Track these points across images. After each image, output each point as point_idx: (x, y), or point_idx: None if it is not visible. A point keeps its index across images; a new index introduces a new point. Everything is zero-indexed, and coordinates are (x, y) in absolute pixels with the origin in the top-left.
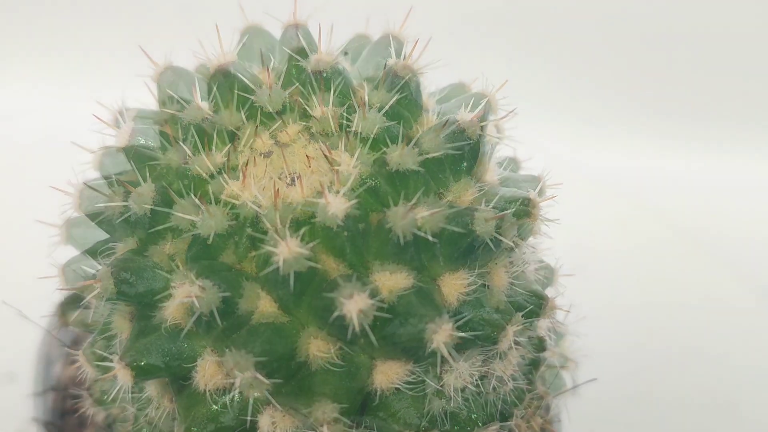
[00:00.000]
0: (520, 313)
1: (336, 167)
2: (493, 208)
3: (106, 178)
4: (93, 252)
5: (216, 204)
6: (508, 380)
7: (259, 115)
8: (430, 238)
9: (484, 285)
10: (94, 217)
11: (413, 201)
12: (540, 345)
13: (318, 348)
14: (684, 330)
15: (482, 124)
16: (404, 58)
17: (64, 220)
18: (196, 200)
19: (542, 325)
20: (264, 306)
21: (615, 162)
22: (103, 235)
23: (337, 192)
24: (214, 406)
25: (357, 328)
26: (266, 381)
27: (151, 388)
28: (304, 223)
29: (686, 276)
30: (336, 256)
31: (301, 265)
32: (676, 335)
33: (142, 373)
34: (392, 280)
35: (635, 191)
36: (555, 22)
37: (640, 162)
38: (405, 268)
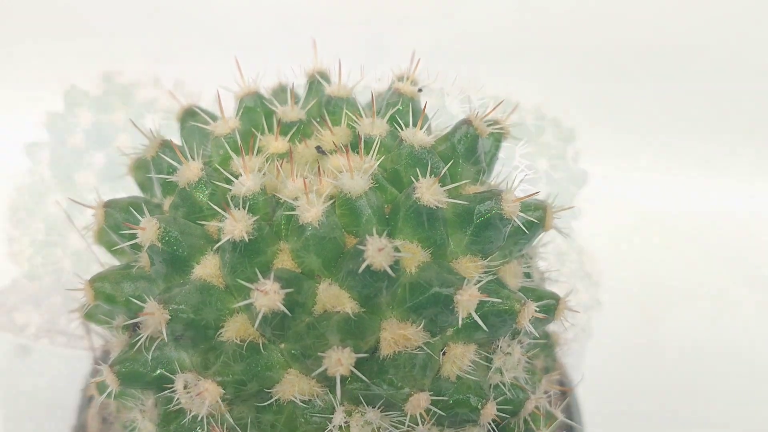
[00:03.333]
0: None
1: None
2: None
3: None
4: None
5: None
6: None
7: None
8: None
9: (441, 352)
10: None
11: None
12: None
13: (238, 334)
14: None
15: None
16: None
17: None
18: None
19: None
20: (213, 280)
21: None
22: None
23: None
24: (142, 350)
25: (256, 324)
26: (165, 338)
27: (119, 319)
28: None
29: None
30: (293, 258)
31: (238, 235)
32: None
33: (102, 298)
34: (331, 301)
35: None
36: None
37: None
38: (350, 296)
